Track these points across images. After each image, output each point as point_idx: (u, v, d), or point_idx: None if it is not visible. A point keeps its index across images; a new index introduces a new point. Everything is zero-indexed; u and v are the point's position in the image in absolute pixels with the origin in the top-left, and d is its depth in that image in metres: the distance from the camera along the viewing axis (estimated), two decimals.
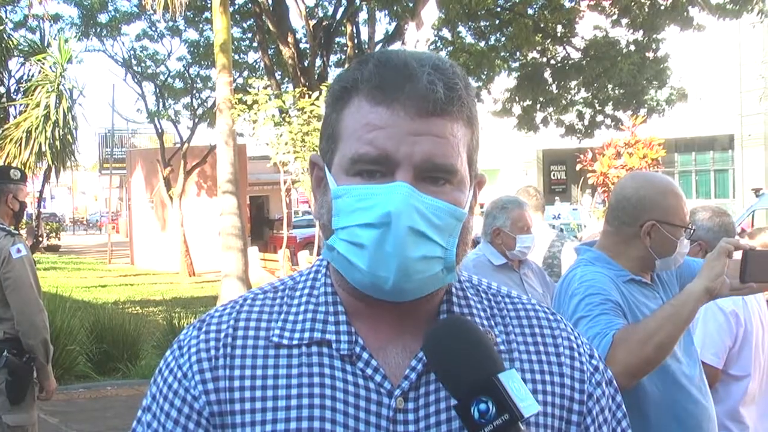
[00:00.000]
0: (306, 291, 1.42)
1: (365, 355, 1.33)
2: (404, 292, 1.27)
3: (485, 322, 1.41)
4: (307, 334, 1.35)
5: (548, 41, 23.51)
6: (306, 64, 20.68)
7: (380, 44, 21.26)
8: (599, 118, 24.51)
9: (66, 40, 17.61)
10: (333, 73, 22.43)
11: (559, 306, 3.01)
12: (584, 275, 3.01)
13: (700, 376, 3.08)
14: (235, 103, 15.83)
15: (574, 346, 1.45)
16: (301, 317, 1.38)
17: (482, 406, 1.16)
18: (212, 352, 1.35)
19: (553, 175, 46.38)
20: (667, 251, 3.05)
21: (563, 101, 24.38)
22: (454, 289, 1.42)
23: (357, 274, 1.28)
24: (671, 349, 2.77)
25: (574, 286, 2.98)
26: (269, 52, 22.74)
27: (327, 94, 1.40)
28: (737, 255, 2.76)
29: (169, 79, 31.48)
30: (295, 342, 1.35)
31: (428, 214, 1.25)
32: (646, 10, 21.02)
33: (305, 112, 14.81)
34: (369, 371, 1.32)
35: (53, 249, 40.46)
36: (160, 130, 31.13)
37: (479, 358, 1.22)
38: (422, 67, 1.28)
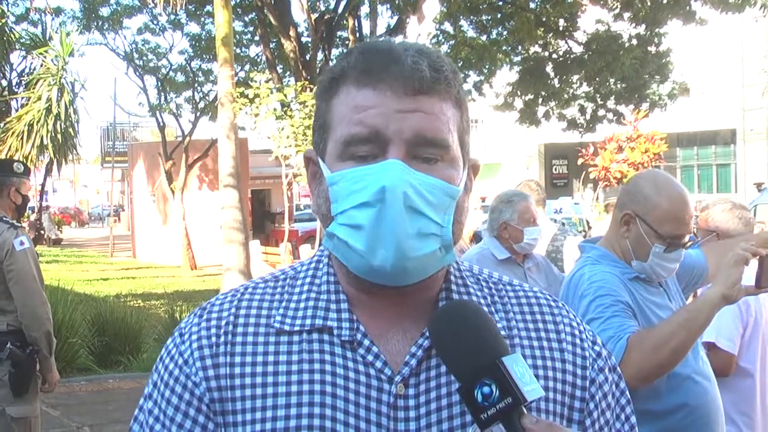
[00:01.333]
0: (308, 280, 1.42)
1: (366, 342, 1.33)
2: (405, 272, 1.27)
3: (485, 309, 1.40)
4: (308, 321, 1.36)
5: (550, 35, 23.47)
6: (308, 57, 20.68)
7: (382, 38, 21.22)
8: (601, 112, 24.51)
9: (68, 34, 17.65)
10: None
11: (569, 306, 2.99)
12: (592, 275, 2.98)
13: (706, 366, 3.07)
14: (237, 96, 15.85)
15: (576, 332, 1.45)
16: (302, 305, 1.38)
17: (485, 389, 1.16)
18: (213, 339, 1.35)
19: (555, 169, 46.33)
20: (642, 254, 3.01)
21: (565, 95, 24.35)
22: (453, 277, 1.43)
23: (356, 258, 1.28)
24: (685, 354, 2.78)
25: (583, 287, 2.96)
26: (271, 46, 22.74)
27: (317, 87, 1.42)
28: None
29: (171, 73, 31.51)
30: (296, 328, 1.35)
31: (422, 191, 1.26)
32: (649, 3, 20.98)
33: (307, 106, 14.84)
34: (370, 358, 1.32)
35: (55, 242, 40.51)
36: (161, 124, 31.17)
37: (484, 341, 1.22)
38: (406, 51, 1.30)
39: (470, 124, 1.41)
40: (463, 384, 1.19)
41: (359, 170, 1.28)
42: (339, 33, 23.38)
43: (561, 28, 23.16)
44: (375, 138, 1.27)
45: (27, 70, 16.94)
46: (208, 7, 23.75)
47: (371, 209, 1.25)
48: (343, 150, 1.30)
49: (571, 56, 23.33)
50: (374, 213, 1.24)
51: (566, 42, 23.62)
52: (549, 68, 23.93)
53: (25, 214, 6.72)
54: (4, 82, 16.43)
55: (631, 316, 2.83)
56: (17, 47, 17.01)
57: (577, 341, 1.44)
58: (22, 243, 5.15)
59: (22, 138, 15.34)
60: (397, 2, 20.27)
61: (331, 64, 18.50)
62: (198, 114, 30.79)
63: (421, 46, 1.33)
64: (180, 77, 31.79)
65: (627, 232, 3.04)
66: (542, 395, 1.21)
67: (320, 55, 21.40)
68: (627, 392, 1.49)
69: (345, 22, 21.97)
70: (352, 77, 1.31)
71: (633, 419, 1.48)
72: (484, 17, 23.24)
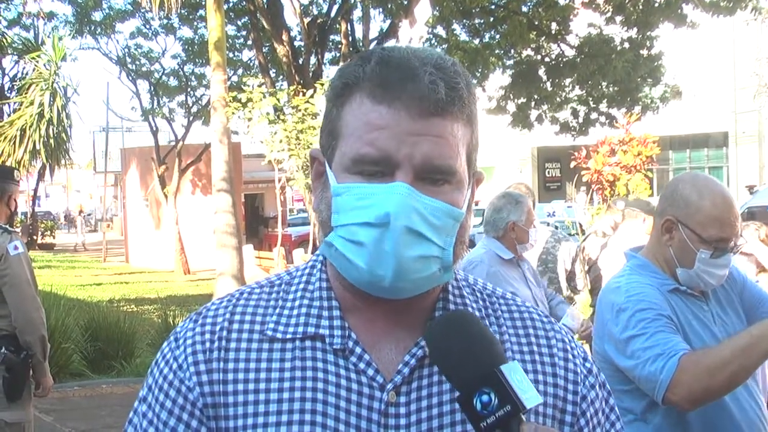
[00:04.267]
0: (301, 286, 1.43)
1: (358, 350, 1.34)
2: (401, 290, 1.29)
3: None
4: (301, 329, 1.37)
5: (543, 39, 23.48)
6: (300, 62, 20.66)
7: (374, 42, 21.24)
8: (593, 115, 24.51)
9: (60, 38, 17.67)
10: (327, 70, 22.44)
11: (605, 320, 2.81)
12: (630, 288, 2.80)
13: (760, 410, 2.83)
14: (230, 101, 15.82)
15: (568, 348, 1.46)
16: (295, 312, 1.39)
17: (484, 398, 1.16)
18: (207, 344, 1.36)
19: (548, 173, 46.40)
20: (687, 261, 2.78)
21: (558, 99, 24.36)
22: (450, 287, 1.43)
23: (355, 272, 1.29)
24: (743, 382, 2.59)
25: (620, 299, 2.77)
26: (264, 50, 22.70)
27: (328, 87, 1.40)
28: None
29: (164, 77, 31.50)
30: (288, 336, 1.36)
31: (426, 215, 1.26)
32: (640, 7, 21.00)
33: (300, 110, 14.80)
34: (362, 365, 1.33)
35: (48, 247, 40.36)
36: (154, 128, 31.11)
37: (482, 350, 1.23)
38: (424, 66, 1.28)
39: (479, 139, 1.39)
40: (462, 393, 1.20)
41: (366, 187, 1.28)
42: (332, 37, 23.35)
43: (553, 32, 23.17)
44: (385, 161, 1.27)
45: (19, 75, 16.97)
46: (201, 12, 23.77)
47: (374, 229, 1.25)
48: (352, 165, 1.30)
49: (564, 60, 23.34)
50: (376, 234, 1.25)
51: (558, 45, 23.64)
52: (541, 72, 23.94)
53: (18, 219, 6.73)
54: None
55: (675, 331, 2.65)
56: (9, 52, 17.02)
57: (569, 356, 1.45)
58: (16, 248, 5.14)
59: (14, 143, 15.35)
60: (389, 6, 20.26)
61: (324, 68, 18.46)
62: (191, 118, 30.78)
63: (437, 58, 1.31)
64: (173, 82, 31.78)
65: (669, 239, 2.83)
66: (541, 402, 1.21)
67: (313, 59, 21.38)
68: (616, 408, 1.50)
69: (338, 26, 21.95)
70: (366, 89, 1.30)
71: None
72: (476, 21, 23.26)
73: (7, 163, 13.75)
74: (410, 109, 1.27)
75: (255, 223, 35.15)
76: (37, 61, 16.35)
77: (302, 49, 21.25)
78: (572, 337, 1.50)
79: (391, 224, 1.24)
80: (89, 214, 66.00)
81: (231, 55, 26.33)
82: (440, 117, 1.28)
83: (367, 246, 1.26)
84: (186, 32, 29.36)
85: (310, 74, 20.17)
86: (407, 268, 1.26)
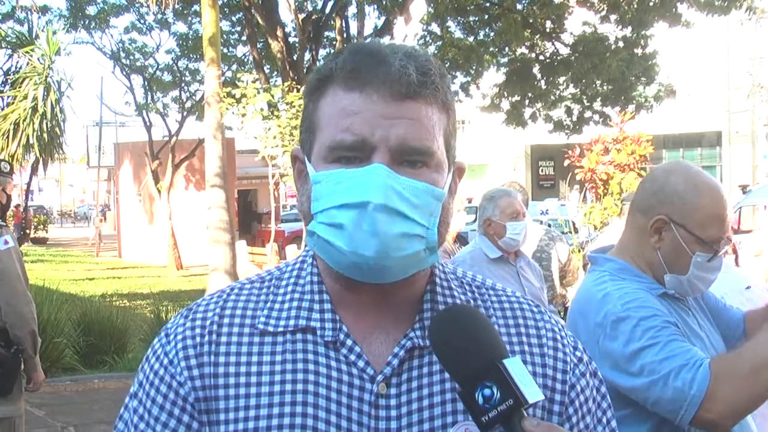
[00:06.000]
0: (292, 281, 1.43)
1: (349, 342, 1.34)
2: (386, 270, 1.28)
3: None
4: (292, 322, 1.37)
5: (537, 37, 23.50)
6: (295, 58, 20.62)
7: (369, 38, 21.21)
8: (587, 114, 24.54)
9: (54, 32, 17.61)
10: None
11: (595, 336, 2.38)
12: (623, 294, 2.39)
13: None
14: (224, 96, 15.80)
15: (558, 337, 1.46)
16: (286, 305, 1.39)
17: (486, 392, 1.16)
18: (198, 339, 1.37)
19: (542, 171, 46.43)
20: (680, 266, 2.43)
21: (552, 97, 24.39)
22: (438, 279, 1.44)
23: (338, 255, 1.29)
24: None
25: (616, 308, 2.35)
26: (258, 46, 22.67)
27: (305, 87, 1.42)
28: None
29: (158, 72, 31.44)
30: (280, 329, 1.37)
31: (406, 194, 1.27)
32: (635, 6, 21.03)
33: (294, 106, 14.78)
34: (352, 357, 1.33)
35: (40, 241, 40.28)
36: (148, 123, 31.05)
37: (484, 343, 1.23)
38: (394, 54, 1.31)
39: (457, 127, 1.41)
40: (464, 386, 1.19)
41: (344, 172, 1.29)
42: (326, 33, 23.35)
43: (548, 30, 23.19)
44: (361, 145, 1.28)
45: (13, 69, 16.89)
46: (196, 7, 23.70)
47: (352, 210, 1.25)
48: (329, 153, 1.31)
49: (558, 58, 23.37)
50: (355, 215, 1.25)
51: (553, 43, 23.66)
52: (536, 70, 23.96)
53: (10, 213, 6.70)
54: None
55: (685, 338, 2.30)
56: (3, 46, 16.96)
57: (559, 346, 1.45)
58: (6, 242, 5.12)
59: (8, 137, 15.31)
60: (384, 3, 20.26)
61: (318, 64, 18.39)
62: (185, 114, 30.72)
63: (409, 48, 1.34)
64: (167, 77, 31.73)
65: (659, 241, 2.46)
66: (543, 398, 1.21)
67: (307, 56, 21.36)
68: (608, 397, 1.50)
69: (332, 22, 21.94)
70: (339, 78, 1.32)
71: (613, 423, 1.49)
72: (471, 18, 23.25)
73: (1, 157, 13.71)
74: (382, 92, 1.28)
75: (248, 219, 35.12)
76: (31, 55, 16.32)
77: (297, 45, 21.22)
78: (563, 326, 1.50)
79: (369, 203, 1.24)
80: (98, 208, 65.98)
81: (225, 50, 26.27)
82: (413, 100, 1.30)
83: (347, 227, 1.26)
84: (180, 27, 29.34)
85: (305, 70, 20.13)
86: (390, 245, 1.25)
